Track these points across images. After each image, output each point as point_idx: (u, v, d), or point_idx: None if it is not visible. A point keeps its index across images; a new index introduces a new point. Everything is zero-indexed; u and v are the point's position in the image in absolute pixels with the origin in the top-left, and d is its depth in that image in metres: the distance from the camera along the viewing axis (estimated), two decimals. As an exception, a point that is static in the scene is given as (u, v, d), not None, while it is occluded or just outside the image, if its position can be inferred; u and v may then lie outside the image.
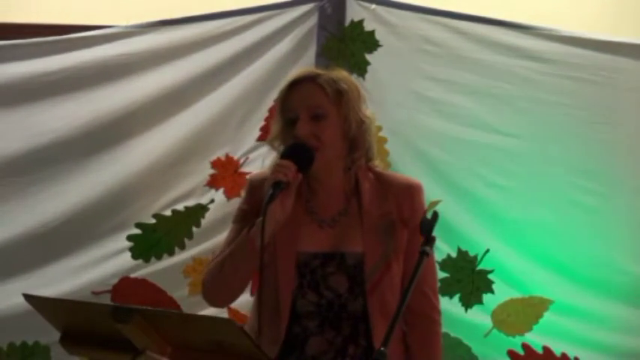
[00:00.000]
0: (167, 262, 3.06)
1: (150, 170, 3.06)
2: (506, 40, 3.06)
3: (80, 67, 3.03)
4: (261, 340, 2.04)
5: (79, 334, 1.79)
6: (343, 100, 2.14)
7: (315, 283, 2.14)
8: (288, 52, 3.10)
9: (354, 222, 2.17)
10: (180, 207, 3.06)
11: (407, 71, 3.11)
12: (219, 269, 2.13)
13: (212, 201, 3.07)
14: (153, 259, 3.05)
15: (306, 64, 3.01)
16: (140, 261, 3.03)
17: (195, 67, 3.08)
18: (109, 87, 3.05)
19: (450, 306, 2.89)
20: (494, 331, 2.98)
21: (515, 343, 2.92)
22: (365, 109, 2.20)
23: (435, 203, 2.85)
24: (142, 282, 3.03)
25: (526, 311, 2.97)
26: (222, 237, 2.64)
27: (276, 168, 2.05)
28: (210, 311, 2.82)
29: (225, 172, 3.08)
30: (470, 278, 2.99)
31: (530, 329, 2.96)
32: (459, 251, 2.99)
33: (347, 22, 3.09)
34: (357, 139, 2.16)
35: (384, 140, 3.02)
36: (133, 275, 3.02)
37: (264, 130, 3.04)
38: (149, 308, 1.71)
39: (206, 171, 3.08)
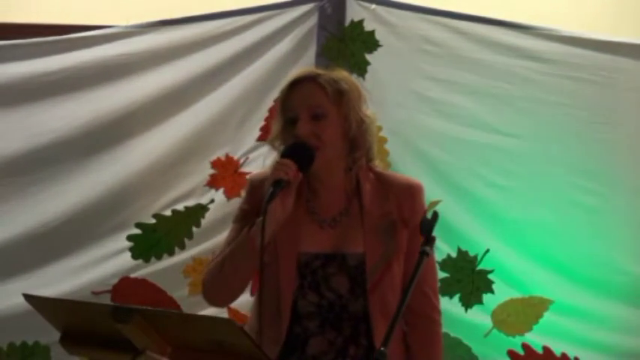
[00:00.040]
0: (167, 262, 3.06)
1: (150, 170, 3.06)
2: (506, 40, 3.06)
3: (80, 67, 3.03)
4: (262, 341, 2.03)
5: (79, 334, 1.79)
6: (344, 99, 2.14)
7: (316, 283, 2.14)
8: (288, 52, 3.10)
9: (354, 222, 2.17)
10: (180, 207, 3.06)
11: (407, 71, 3.12)
12: (220, 269, 2.13)
13: (212, 201, 3.07)
14: (153, 259, 3.05)
15: (306, 64, 3.01)
16: (140, 261, 3.04)
17: (195, 67, 3.08)
18: (109, 87, 3.05)
19: (450, 306, 2.89)
20: (494, 331, 2.98)
21: (515, 343, 2.92)
22: (365, 109, 2.20)
23: (435, 203, 2.87)
24: (142, 282, 3.03)
25: (526, 311, 2.97)
26: (222, 237, 2.65)
27: (276, 167, 2.05)
28: (210, 311, 2.81)
29: (225, 172, 3.09)
30: (470, 278, 2.99)
31: (530, 329, 2.96)
32: (459, 251, 3.00)
33: (347, 22, 3.09)
34: (357, 139, 2.16)
35: (384, 140, 3.02)
36: (133, 275, 3.02)
37: (264, 130, 3.04)
38: (149, 308, 1.71)
39: (206, 171, 3.08)
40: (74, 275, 3.00)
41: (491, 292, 2.99)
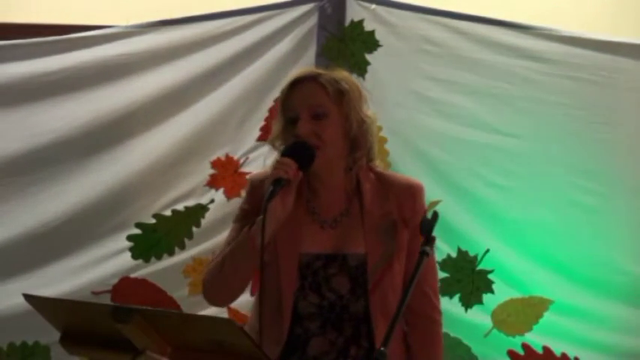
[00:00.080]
0: (167, 262, 3.06)
1: (150, 170, 3.06)
2: (506, 40, 3.06)
3: (80, 67, 3.03)
4: (262, 341, 2.03)
5: (79, 334, 1.79)
6: (344, 99, 2.14)
7: (317, 284, 2.13)
8: (288, 52, 3.10)
9: (355, 223, 2.17)
10: (180, 207, 3.06)
11: (407, 71, 3.11)
12: (220, 269, 2.13)
13: (212, 201, 3.07)
14: (153, 259, 3.05)
15: (306, 64, 3.01)
16: (140, 261, 3.04)
17: (195, 67, 3.08)
18: (109, 87, 3.05)
19: (450, 306, 2.89)
20: (494, 331, 2.98)
21: (515, 343, 2.92)
22: (366, 109, 2.20)
23: (435, 203, 2.88)
24: (142, 282, 3.03)
25: (526, 311, 2.97)
26: (222, 237, 2.65)
27: (276, 166, 2.05)
28: (210, 311, 2.82)
29: (225, 172, 3.09)
30: (470, 278, 2.99)
31: (530, 329, 2.96)
32: (459, 251, 3.00)
33: (347, 22, 3.09)
34: (358, 139, 2.16)
35: (384, 140, 3.02)
36: (133, 275, 3.02)
37: (264, 130, 3.04)
38: (149, 308, 1.71)
39: (206, 171, 3.08)
40: (74, 275, 3.00)
41: (491, 292, 2.99)
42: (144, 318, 1.67)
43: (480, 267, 2.99)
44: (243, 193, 2.41)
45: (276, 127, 2.21)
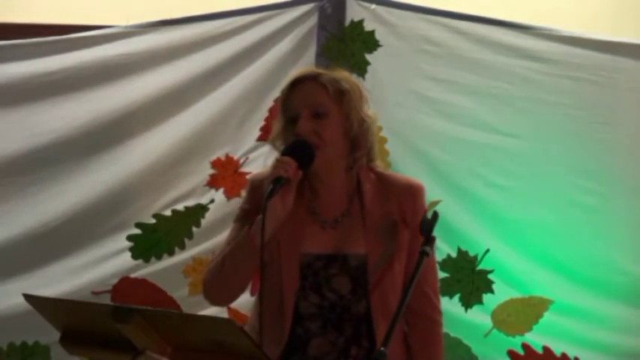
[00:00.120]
0: (167, 262, 3.06)
1: (150, 170, 3.06)
2: (506, 40, 3.06)
3: (80, 67, 3.03)
4: (262, 341, 2.03)
5: (79, 334, 1.79)
6: (344, 99, 2.14)
7: (318, 284, 2.13)
8: (288, 52, 3.10)
9: (356, 223, 2.17)
10: (180, 207, 3.06)
11: (407, 71, 3.11)
12: (220, 268, 2.13)
13: (212, 201, 3.07)
14: (153, 259, 3.05)
15: (306, 64, 3.01)
16: (140, 261, 3.03)
17: (195, 67, 3.08)
18: (109, 87, 3.05)
19: (450, 306, 2.89)
20: (494, 331, 2.98)
21: (515, 343, 2.93)
22: (367, 109, 2.20)
23: (435, 203, 2.88)
24: (142, 282, 3.03)
25: (526, 311, 2.97)
26: (222, 237, 2.65)
27: (276, 164, 2.05)
28: (210, 311, 2.82)
29: (225, 172, 3.09)
30: (470, 278, 2.99)
31: (530, 329, 2.96)
32: (459, 251, 3.00)
33: (347, 22, 3.09)
34: (358, 139, 2.16)
35: (384, 140, 3.02)
36: (133, 275, 3.02)
37: (264, 130, 3.04)
38: (149, 308, 1.71)
39: (206, 171, 3.08)
40: (74, 275, 3.00)
41: (492, 292, 2.99)
42: (144, 318, 1.67)
43: (480, 267, 2.99)
44: (244, 193, 2.40)
45: (276, 126, 2.21)
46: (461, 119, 3.07)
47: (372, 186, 2.20)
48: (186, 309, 2.97)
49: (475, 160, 3.06)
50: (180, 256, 3.07)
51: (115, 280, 3.01)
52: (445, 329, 2.32)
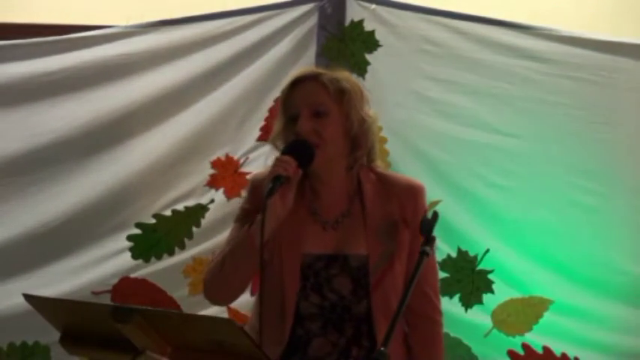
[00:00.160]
0: (167, 262, 3.06)
1: (150, 170, 3.06)
2: (507, 40, 3.06)
3: (80, 67, 3.03)
4: (263, 341, 2.03)
5: (79, 334, 1.79)
6: (345, 98, 2.14)
7: (319, 285, 2.13)
8: (288, 52, 3.10)
9: (357, 223, 2.17)
10: (180, 207, 3.06)
11: (407, 71, 3.11)
12: (220, 267, 2.13)
13: (212, 201, 3.07)
14: (153, 259, 3.05)
15: (306, 64, 3.01)
16: (140, 261, 3.03)
17: (195, 67, 3.08)
18: (109, 87, 3.05)
19: (450, 306, 2.89)
20: (494, 331, 2.98)
21: (515, 343, 2.93)
22: (368, 109, 2.20)
23: (435, 203, 2.88)
24: (142, 282, 3.03)
25: (526, 311, 2.97)
26: (222, 237, 2.66)
27: (276, 163, 2.05)
28: (210, 311, 2.82)
29: (225, 172, 3.09)
30: (470, 278, 2.99)
31: (530, 329, 2.96)
32: (459, 251, 3.00)
33: (347, 22, 3.09)
34: (358, 138, 2.16)
35: (384, 140, 3.02)
36: (133, 275, 3.02)
37: (264, 130, 3.04)
38: (149, 308, 1.71)
39: (206, 171, 3.08)
40: (74, 275, 3.00)
41: (492, 292, 2.99)
42: (144, 318, 1.67)
43: (480, 267, 2.99)
44: (243, 193, 2.41)
45: (277, 126, 2.21)
46: (461, 119, 3.07)
47: (373, 186, 2.20)
48: (186, 309, 2.97)
49: (475, 160, 3.06)
50: (180, 256, 3.07)
51: (115, 280, 3.01)
52: (445, 329, 2.32)
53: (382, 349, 1.67)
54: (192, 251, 3.06)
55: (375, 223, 2.16)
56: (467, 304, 3.00)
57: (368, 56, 3.08)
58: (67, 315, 1.82)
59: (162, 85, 3.06)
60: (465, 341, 2.99)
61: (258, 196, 2.10)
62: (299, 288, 2.13)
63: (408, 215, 2.17)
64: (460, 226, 3.02)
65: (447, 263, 2.99)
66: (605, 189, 3.01)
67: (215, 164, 3.08)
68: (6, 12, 3.54)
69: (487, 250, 2.97)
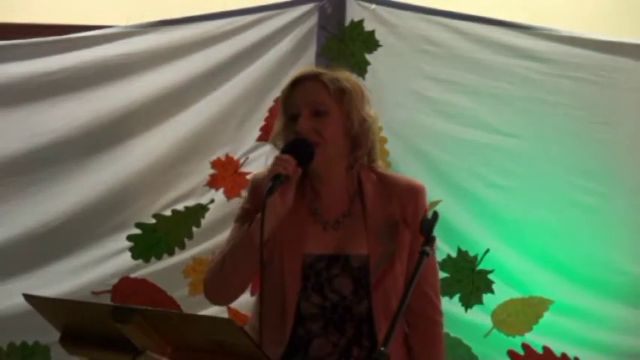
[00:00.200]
0: (167, 262, 3.06)
1: (150, 170, 3.06)
2: (506, 40, 3.06)
3: (80, 67, 3.03)
4: (263, 341, 2.03)
5: (79, 334, 1.79)
6: (345, 97, 2.14)
7: (320, 285, 2.13)
8: (288, 52, 3.10)
9: (357, 224, 2.17)
10: (180, 207, 3.06)
11: (407, 71, 3.11)
12: (220, 267, 2.13)
13: (212, 201, 3.07)
14: (153, 259, 3.05)
15: (306, 64, 3.01)
16: (140, 261, 3.03)
17: (195, 67, 3.08)
18: (109, 87, 3.05)
19: (450, 306, 2.89)
20: (494, 331, 2.98)
21: (515, 343, 2.93)
22: (369, 109, 2.20)
23: (435, 203, 2.88)
24: (142, 282, 3.03)
25: (526, 311, 2.97)
26: (222, 237, 2.66)
27: (275, 162, 2.05)
28: (210, 311, 2.82)
29: (225, 172, 3.09)
30: (470, 278, 2.99)
31: (530, 329, 2.96)
32: (459, 251, 3.00)
33: (347, 22, 3.09)
34: (359, 138, 2.16)
35: (384, 140, 3.02)
36: (133, 275, 3.02)
37: (264, 130, 3.04)
38: (149, 308, 1.71)
39: (206, 171, 3.08)
40: (74, 275, 3.00)
41: (492, 292, 2.99)
42: (144, 318, 1.67)
43: (480, 267, 2.99)
44: (243, 193, 2.41)
45: (277, 125, 2.21)
46: (461, 119, 3.07)
47: (374, 186, 2.20)
48: (186, 309, 2.97)
49: (475, 160, 3.06)
50: (180, 256, 3.07)
51: (115, 280, 3.01)
52: (445, 329, 2.32)
53: (382, 349, 1.67)
54: (192, 251, 3.06)
55: (375, 223, 2.16)
56: (467, 304, 3.00)
57: (368, 56, 3.08)
58: (67, 315, 1.82)
59: (162, 85, 3.06)
60: (465, 341, 2.99)
61: (259, 196, 2.10)
62: (300, 288, 2.13)
63: (408, 215, 2.17)
64: (460, 226, 3.02)
65: (447, 263, 2.99)
66: (605, 189, 3.01)
67: (215, 164, 3.08)
68: (6, 12, 3.54)
69: (487, 250, 2.97)
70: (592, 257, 2.97)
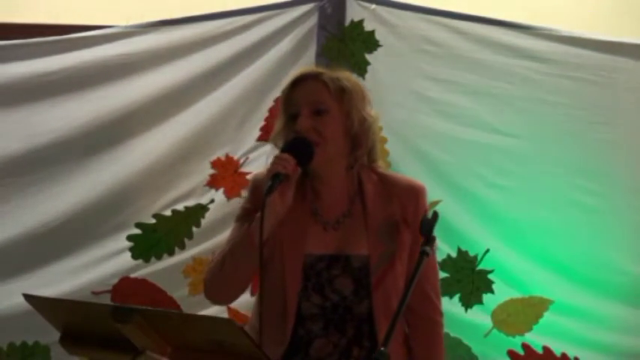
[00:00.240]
0: (167, 262, 3.06)
1: (150, 170, 3.06)
2: (506, 40, 3.06)
3: (80, 67, 3.03)
4: (263, 341, 2.03)
5: (79, 334, 1.79)
6: (345, 97, 2.14)
7: (320, 285, 2.13)
8: (288, 52, 3.10)
9: (358, 224, 2.17)
10: (180, 207, 3.06)
11: (407, 71, 3.11)
12: (220, 267, 2.13)
13: (212, 201, 3.07)
14: (153, 259, 3.05)
15: (306, 64, 3.01)
16: (140, 261, 3.03)
17: (195, 67, 3.08)
18: (109, 87, 3.05)
19: (450, 306, 2.89)
20: (494, 331, 2.98)
21: (515, 343, 2.93)
22: (369, 109, 2.20)
23: (435, 203, 2.88)
24: (142, 282, 3.03)
25: (526, 311, 2.97)
26: (222, 237, 2.66)
27: (275, 161, 2.05)
28: (210, 311, 2.82)
29: (225, 172, 3.09)
30: (470, 278, 2.99)
31: (530, 329, 2.96)
32: (459, 251, 3.00)
33: (347, 22, 3.09)
34: (359, 137, 2.16)
35: (384, 140, 3.02)
36: (133, 275, 3.02)
37: (264, 130, 3.04)
38: (149, 308, 1.71)
39: (206, 171, 3.08)
40: (74, 275, 3.00)
41: (492, 292, 2.99)
42: (144, 318, 1.68)
43: (480, 267, 2.99)
44: (244, 193, 2.41)
45: (277, 124, 2.21)
46: (461, 119, 3.07)
47: (374, 186, 2.20)
48: (186, 309, 2.97)
49: (475, 160, 3.06)
50: (181, 256, 3.07)
51: (115, 280, 3.01)
52: (445, 329, 2.32)
53: (382, 349, 1.68)
54: (192, 251, 3.06)
55: (376, 223, 2.16)
56: (467, 304, 3.00)
57: (368, 56, 3.08)
58: (67, 315, 1.82)
59: (163, 85, 3.06)
60: (465, 341, 2.99)
61: (259, 196, 2.10)
62: (300, 288, 2.12)
63: (409, 216, 2.17)
64: (460, 226, 3.02)
65: (447, 263, 2.99)
66: (606, 189, 3.01)
67: (215, 164, 3.08)
68: (7, 12, 3.54)
69: (487, 250, 2.97)
70: (592, 257, 2.97)
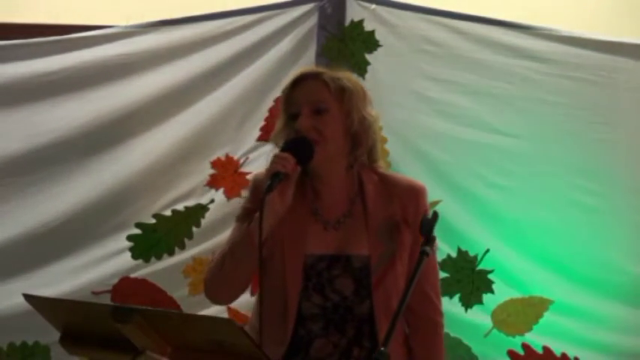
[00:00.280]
0: (167, 262, 3.06)
1: (150, 170, 3.06)
2: (506, 40, 3.06)
3: (80, 67, 3.03)
4: (263, 341, 2.03)
5: (79, 334, 1.79)
6: (346, 96, 2.15)
7: (321, 285, 2.13)
8: (288, 52, 3.10)
9: (358, 224, 2.17)
10: (180, 207, 3.06)
11: (407, 71, 3.12)
12: (220, 267, 2.13)
13: (212, 201, 3.07)
14: (153, 259, 3.05)
15: (306, 64, 3.01)
16: (140, 261, 3.03)
17: (195, 67, 3.08)
18: (109, 87, 3.05)
19: (450, 306, 2.89)
20: (494, 331, 2.98)
21: (515, 343, 2.93)
22: (370, 109, 2.20)
23: (435, 203, 2.88)
24: (142, 282, 3.03)
25: (526, 311, 2.97)
26: (222, 237, 2.66)
27: (274, 160, 2.05)
28: (210, 311, 2.82)
29: (225, 172, 3.09)
30: (470, 278, 2.99)
31: (530, 329, 2.96)
32: (459, 251, 3.00)
33: (347, 22, 3.09)
34: (359, 137, 2.16)
35: (384, 140, 3.02)
36: (133, 275, 3.02)
37: (264, 130, 3.04)
38: (149, 308, 1.71)
39: (206, 171, 3.08)
40: (74, 275, 3.00)
41: (492, 292, 2.99)
42: (144, 318, 1.68)
43: (480, 267, 2.99)
44: (244, 193, 2.41)
45: (278, 124, 2.21)
46: (461, 119, 3.08)
47: (375, 187, 2.20)
48: (186, 309, 2.97)
49: (475, 160, 3.06)
50: (180, 256, 3.07)
51: (115, 280, 3.01)
52: (445, 329, 2.32)
53: (382, 349, 1.67)
54: (192, 251, 3.06)
55: (376, 223, 2.16)
56: (467, 304, 3.00)
57: (368, 56, 3.09)
58: (67, 315, 1.82)
59: (163, 85, 3.06)
60: (465, 341, 2.99)
61: (259, 195, 2.09)
62: (301, 288, 2.12)
63: (409, 216, 2.17)
64: (460, 226, 3.02)
65: (447, 263, 2.99)
66: (606, 189, 3.01)
67: (215, 164, 3.08)
68: (7, 12, 3.54)
69: (487, 250, 2.97)
70: (592, 257, 2.97)
